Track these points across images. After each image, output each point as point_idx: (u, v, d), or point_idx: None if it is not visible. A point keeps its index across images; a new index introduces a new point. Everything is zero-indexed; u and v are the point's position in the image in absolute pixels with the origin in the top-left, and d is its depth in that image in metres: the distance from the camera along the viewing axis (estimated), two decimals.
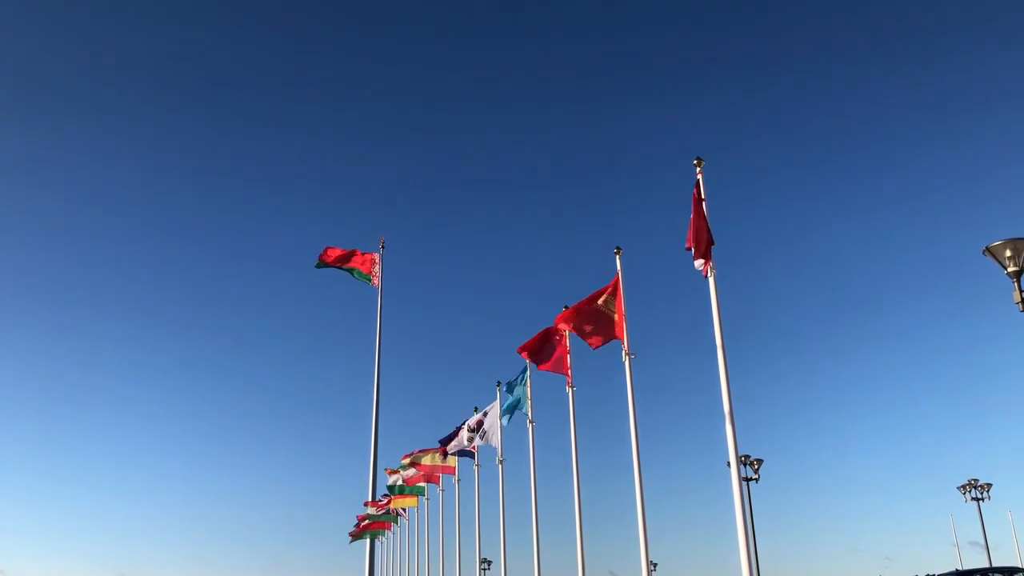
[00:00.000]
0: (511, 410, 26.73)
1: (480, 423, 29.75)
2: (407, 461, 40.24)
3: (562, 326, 21.36)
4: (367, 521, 48.19)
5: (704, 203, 15.84)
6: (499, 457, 28.47)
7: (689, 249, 15.81)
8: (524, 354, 23.37)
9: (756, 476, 42.19)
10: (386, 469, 46.66)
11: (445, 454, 34.56)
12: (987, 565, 43.65)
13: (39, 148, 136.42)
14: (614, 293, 19.78)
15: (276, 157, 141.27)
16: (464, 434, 30.72)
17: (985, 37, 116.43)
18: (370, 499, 48.22)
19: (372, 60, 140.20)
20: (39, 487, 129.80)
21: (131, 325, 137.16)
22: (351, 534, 50.64)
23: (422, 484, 41.96)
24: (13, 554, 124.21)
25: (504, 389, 27.50)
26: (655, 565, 64.50)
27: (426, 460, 39.02)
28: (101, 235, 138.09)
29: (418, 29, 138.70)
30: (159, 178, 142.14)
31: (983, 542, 52.05)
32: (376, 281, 52.38)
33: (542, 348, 22.77)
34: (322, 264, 52.19)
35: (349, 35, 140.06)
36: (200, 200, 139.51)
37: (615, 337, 19.51)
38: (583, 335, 20.17)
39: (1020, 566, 45.46)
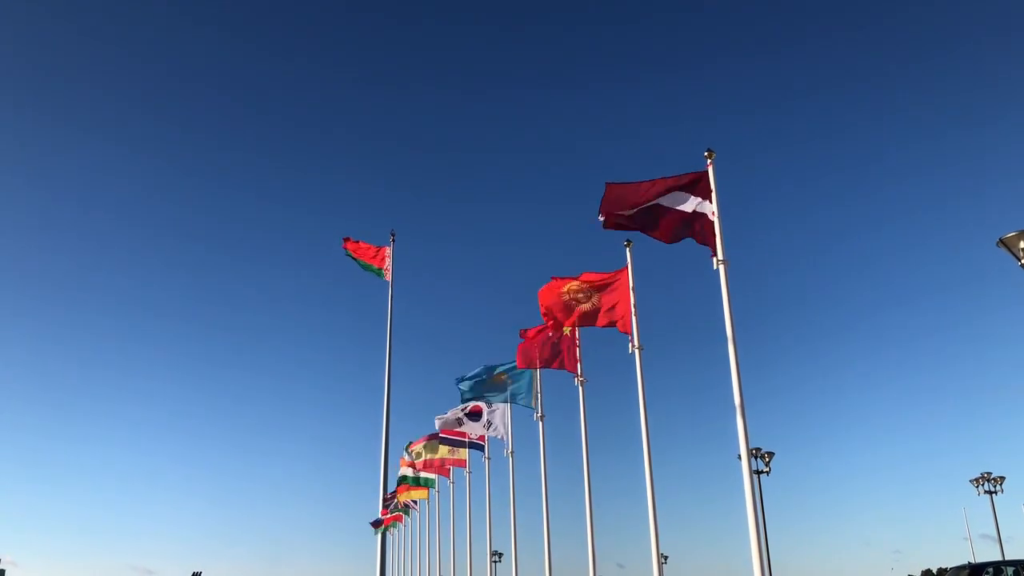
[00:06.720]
0: (495, 391, 26.19)
1: (479, 411, 29.36)
2: (417, 448, 40.19)
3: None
4: (389, 514, 48.48)
5: (714, 194, 15.65)
6: (509, 450, 28.54)
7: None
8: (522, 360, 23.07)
9: (767, 469, 42.14)
10: (401, 460, 46.77)
11: (443, 439, 34.48)
12: (1000, 558, 43.44)
13: (39, 148, 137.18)
14: (603, 286, 19.55)
15: (278, 153, 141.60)
16: (455, 417, 30.07)
17: (991, 38, 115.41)
18: (382, 490, 48.49)
19: (374, 54, 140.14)
20: (50, 483, 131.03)
21: (141, 319, 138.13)
22: (373, 523, 50.72)
23: (433, 476, 42.10)
24: (24, 549, 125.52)
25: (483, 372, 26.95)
26: (666, 558, 64.54)
27: (432, 453, 38.95)
28: (107, 234, 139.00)
29: (424, 28, 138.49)
30: (162, 175, 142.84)
31: (996, 535, 51.87)
32: (388, 276, 52.58)
33: (541, 349, 22.34)
34: (348, 253, 52.79)
35: (350, 31, 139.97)
36: (204, 196, 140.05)
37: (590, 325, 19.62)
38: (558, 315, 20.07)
39: None
